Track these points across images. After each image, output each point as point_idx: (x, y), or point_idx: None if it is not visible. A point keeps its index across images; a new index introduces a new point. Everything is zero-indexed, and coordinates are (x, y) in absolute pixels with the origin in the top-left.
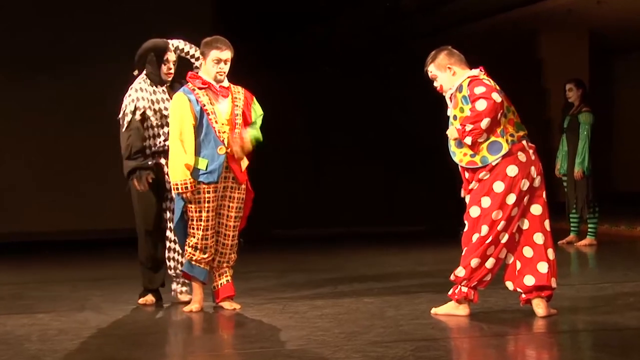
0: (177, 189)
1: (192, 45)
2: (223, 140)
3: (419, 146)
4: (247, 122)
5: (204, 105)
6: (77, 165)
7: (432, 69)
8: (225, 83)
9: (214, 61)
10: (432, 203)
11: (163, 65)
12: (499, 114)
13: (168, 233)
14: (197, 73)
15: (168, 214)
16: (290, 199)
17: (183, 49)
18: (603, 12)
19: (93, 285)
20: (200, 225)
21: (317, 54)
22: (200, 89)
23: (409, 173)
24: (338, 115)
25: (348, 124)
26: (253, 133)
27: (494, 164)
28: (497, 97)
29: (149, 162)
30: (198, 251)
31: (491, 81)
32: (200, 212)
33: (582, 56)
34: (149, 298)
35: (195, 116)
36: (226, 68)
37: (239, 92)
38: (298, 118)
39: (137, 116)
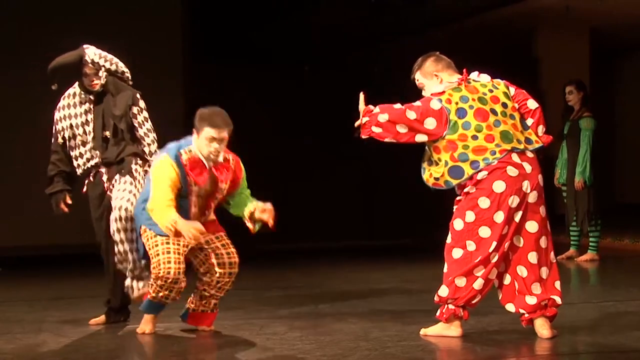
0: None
1: (111, 60)
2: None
3: (402, 151)
4: (229, 191)
5: (190, 185)
6: (28, 176)
7: (418, 77)
8: (220, 158)
9: (208, 139)
10: (417, 214)
11: (84, 78)
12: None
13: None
14: (191, 149)
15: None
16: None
17: (101, 65)
18: (605, 9)
19: (51, 304)
20: (169, 248)
21: (294, 49)
22: (192, 165)
23: (391, 181)
24: (311, 120)
25: (322, 128)
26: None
27: (478, 177)
28: (411, 114)
29: (66, 184)
30: (170, 282)
31: (453, 97)
32: (168, 243)
33: (583, 56)
34: (98, 318)
35: (180, 186)
36: (222, 147)
37: (229, 163)
38: (269, 123)
39: (59, 139)
